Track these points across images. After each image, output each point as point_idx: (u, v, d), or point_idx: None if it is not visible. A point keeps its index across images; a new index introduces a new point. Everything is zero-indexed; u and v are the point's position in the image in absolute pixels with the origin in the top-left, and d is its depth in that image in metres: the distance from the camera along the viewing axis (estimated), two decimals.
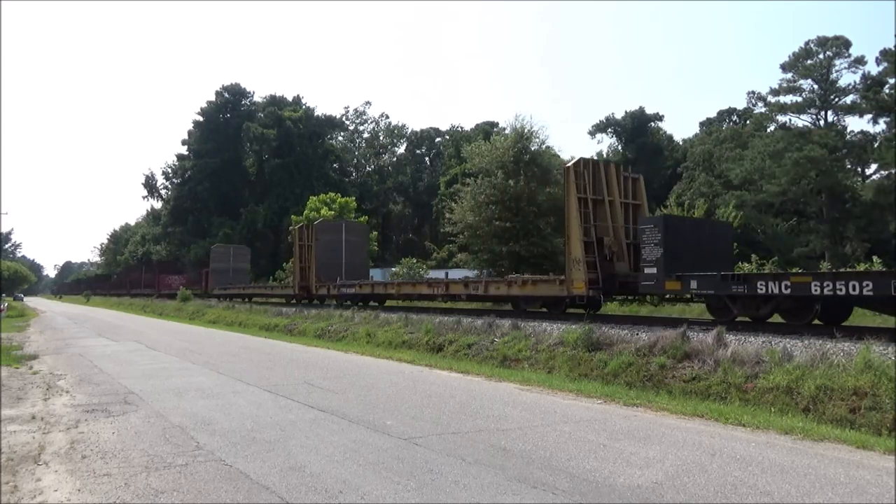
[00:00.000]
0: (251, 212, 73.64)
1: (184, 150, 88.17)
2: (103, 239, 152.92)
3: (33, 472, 5.53)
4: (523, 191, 28.02)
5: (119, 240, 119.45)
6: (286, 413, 7.92)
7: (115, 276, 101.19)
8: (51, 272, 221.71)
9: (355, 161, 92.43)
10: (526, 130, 29.97)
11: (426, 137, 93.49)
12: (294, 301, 31.25)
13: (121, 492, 4.92)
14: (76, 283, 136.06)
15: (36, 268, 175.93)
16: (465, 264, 33.12)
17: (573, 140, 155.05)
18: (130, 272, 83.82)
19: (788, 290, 10.88)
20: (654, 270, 13.31)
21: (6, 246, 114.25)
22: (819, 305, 11.19)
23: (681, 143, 70.86)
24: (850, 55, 48.53)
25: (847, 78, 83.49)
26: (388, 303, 25.94)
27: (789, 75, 50.43)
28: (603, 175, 15.92)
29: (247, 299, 39.75)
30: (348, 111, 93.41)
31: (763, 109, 54.45)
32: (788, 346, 9.19)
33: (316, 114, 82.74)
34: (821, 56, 48.95)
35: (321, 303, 28.57)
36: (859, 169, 51.28)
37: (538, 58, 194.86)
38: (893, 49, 45.48)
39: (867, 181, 49.43)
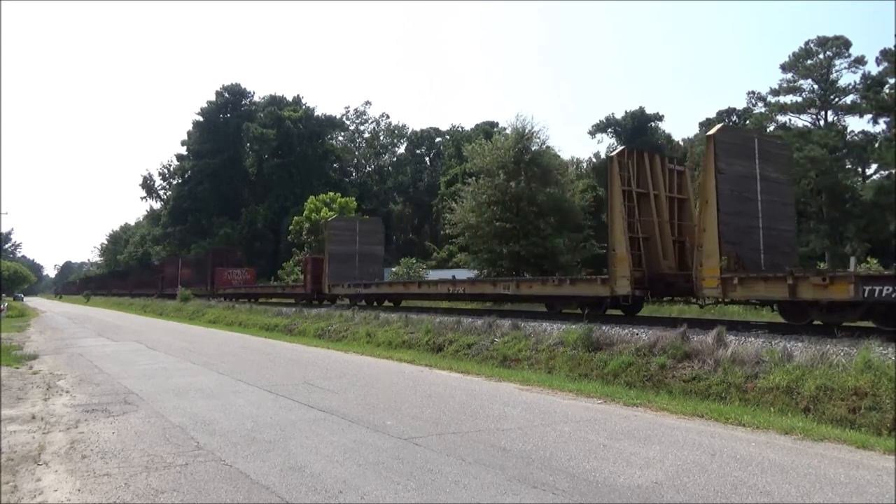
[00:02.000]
0: (251, 212, 73.75)
1: (183, 150, 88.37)
2: (103, 239, 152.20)
3: (33, 472, 5.53)
4: (524, 191, 28.01)
5: (118, 240, 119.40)
6: (286, 413, 7.92)
7: (135, 273, 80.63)
8: (51, 272, 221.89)
9: (355, 161, 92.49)
10: (527, 130, 29.95)
11: (426, 137, 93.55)
12: (621, 301, 14.79)
13: (121, 492, 4.92)
14: (85, 282, 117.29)
15: (36, 268, 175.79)
16: (465, 265, 33.10)
17: (573, 140, 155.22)
18: (164, 266, 63.72)
19: None
20: None
21: (6, 246, 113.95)
22: None
23: (681, 143, 70.82)
24: (850, 55, 48.59)
25: (847, 78, 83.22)
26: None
27: (789, 75, 50.48)
28: None
29: (386, 305, 25.07)
30: (348, 111, 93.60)
31: (763, 109, 54.47)
32: (788, 346, 9.19)
33: (316, 114, 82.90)
34: (821, 56, 48.98)
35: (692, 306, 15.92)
36: (859, 169, 51.30)
37: (538, 58, 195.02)
38: (893, 49, 45.51)
39: (867, 181, 49.45)
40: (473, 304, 23.75)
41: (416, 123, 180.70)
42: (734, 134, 14.65)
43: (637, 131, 69.11)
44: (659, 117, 72.42)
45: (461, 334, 14.61)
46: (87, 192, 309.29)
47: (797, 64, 49.69)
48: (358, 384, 10.23)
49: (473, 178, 31.03)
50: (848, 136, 48.99)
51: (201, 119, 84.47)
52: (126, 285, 77.36)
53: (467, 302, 23.71)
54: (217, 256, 49.82)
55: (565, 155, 46.84)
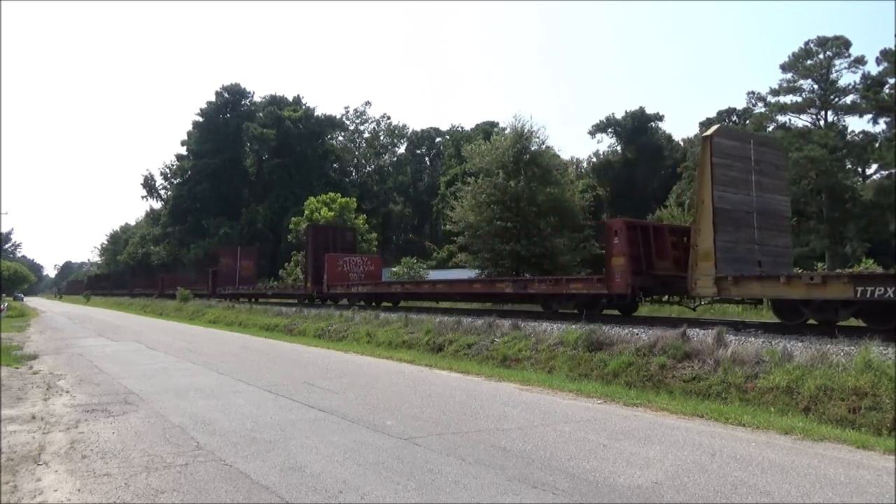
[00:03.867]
0: (251, 212, 73.71)
1: (183, 150, 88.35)
2: (103, 239, 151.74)
3: (33, 472, 5.53)
4: (524, 191, 28.01)
5: (118, 240, 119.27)
6: (286, 413, 7.91)
7: (166, 269, 67.17)
8: (51, 272, 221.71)
9: (355, 161, 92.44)
10: (526, 130, 29.95)
11: (426, 137, 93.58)
12: None
13: (121, 492, 4.92)
14: (94, 281, 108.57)
15: (36, 268, 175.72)
16: (465, 264, 33.06)
17: (573, 140, 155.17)
18: (220, 256, 47.02)
19: None
20: None
21: (6, 246, 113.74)
22: None
23: (681, 143, 70.81)
24: (850, 55, 48.60)
25: (847, 78, 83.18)
26: None
27: (789, 75, 50.47)
28: None
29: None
30: (348, 111, 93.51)
31: (763, 109, 54.47)
32: (788, 346, 9.19)
33: (316, 114, 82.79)
34: (821, 56, 48.98)
35: None
36: (859, 169, 51.32)
37: (538, 58, 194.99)
38: (893, 49, 45.54)
39: (867, 181, 49.48)
40: None
41: (416, 123, 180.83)
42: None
43: (637, 131, 69.02)
44: (659, 117, 72.25)
45: (461, 334, 14.61)
46: (87, 192, 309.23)
47: (797, 64, 49.69)
48: (358, 384, 10.23)
49: (472, 177, 31.02)
50: (848, 136, 49.00)
51: (201, 119, 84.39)
52: (153, 283, 58.91)
53: None
54: (319, 237, 31.57)
55: (565, 155, 46.71)
